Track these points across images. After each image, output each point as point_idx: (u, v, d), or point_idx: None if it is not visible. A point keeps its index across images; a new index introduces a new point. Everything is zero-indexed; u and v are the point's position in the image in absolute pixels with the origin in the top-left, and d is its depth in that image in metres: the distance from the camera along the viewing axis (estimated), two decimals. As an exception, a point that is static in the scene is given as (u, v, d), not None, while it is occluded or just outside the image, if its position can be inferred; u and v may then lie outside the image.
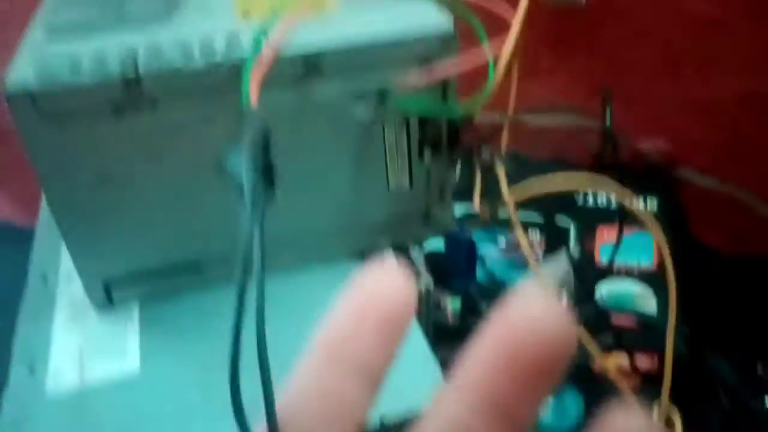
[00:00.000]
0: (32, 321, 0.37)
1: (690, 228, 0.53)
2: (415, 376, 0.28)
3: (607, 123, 0.35)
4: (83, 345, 0.36)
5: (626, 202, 0.32)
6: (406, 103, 0.33)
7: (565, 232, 0.50)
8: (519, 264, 0.49)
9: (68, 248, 0.34)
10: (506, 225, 0.35)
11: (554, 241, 0.49)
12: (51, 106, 0.29)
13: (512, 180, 0.37)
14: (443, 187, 0.38)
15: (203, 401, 0.32)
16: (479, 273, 0.48)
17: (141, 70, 0.29)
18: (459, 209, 0.41)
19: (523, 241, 0.36)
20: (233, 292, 0.21)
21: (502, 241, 0.51)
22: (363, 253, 0.39)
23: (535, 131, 0.51)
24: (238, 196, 0.23)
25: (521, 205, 0.41)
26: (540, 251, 0.49)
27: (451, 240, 0.45)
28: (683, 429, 0.36)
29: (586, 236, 0.49)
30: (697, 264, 0.49)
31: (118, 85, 0.29)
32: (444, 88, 0.34)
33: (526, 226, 0.37)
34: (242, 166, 0.23)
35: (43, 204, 0.44)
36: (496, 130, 0.42)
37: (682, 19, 0.45)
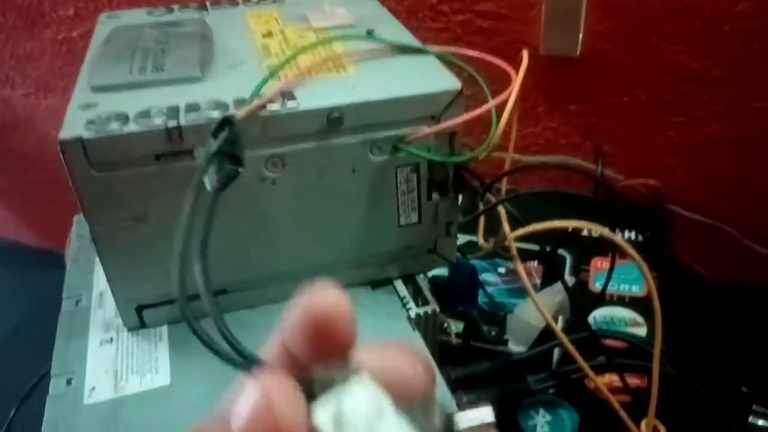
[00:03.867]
0: (68, 339, 0.41)
1: (679, 258, 0.56)
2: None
3: (598, 172, 0.37)
4: (117, 361, 0.39)
5: (615, 239, 0.35)
6: (417, 151, 0.36)
7: (563, 262, 0.53)
8: (517, 290, 0.52)
9: (106, 276, 0.37)
10: (506, 255, 0.38)
11: (552, 269, 0.52)
12: (99, 155, 0.32)
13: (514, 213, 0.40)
14: (449, 223, 0.41)
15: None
16: (480, 298, 0.51)
17: (182, 122, 0.33)
18: (462, 239, 0.44)
19: (522, 272, 0.39)
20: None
21: (502, 269, 0.54)
22: (374, 282, 0.42)
23: (533, 169, 0.54)
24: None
25: (522, 238, 0.45)
26: (538, 279, 0.52)
27: (454, 267, 0.47)
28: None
29: (582, 266, 0.52)
30: (685, 290, 0.52)
31: (161, 135, 0.33)
32: (451, 137, 0.37)
33: (525, 256, 0.39)
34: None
35: (72, 235, 0.47)
36: (497, 169, 0.45)
37: (670, 73, 0.48)
